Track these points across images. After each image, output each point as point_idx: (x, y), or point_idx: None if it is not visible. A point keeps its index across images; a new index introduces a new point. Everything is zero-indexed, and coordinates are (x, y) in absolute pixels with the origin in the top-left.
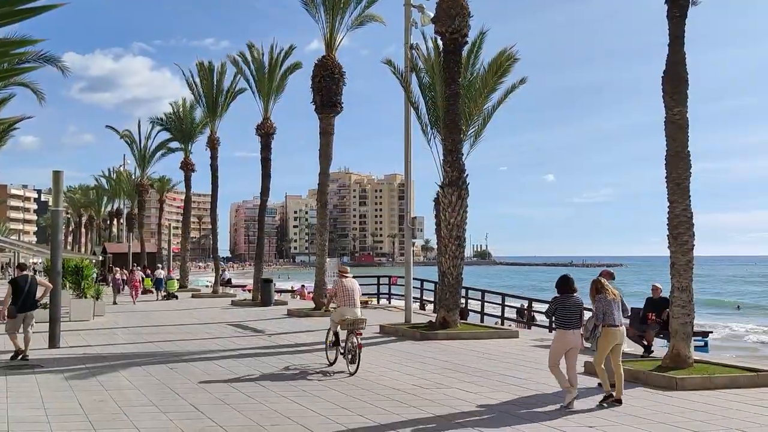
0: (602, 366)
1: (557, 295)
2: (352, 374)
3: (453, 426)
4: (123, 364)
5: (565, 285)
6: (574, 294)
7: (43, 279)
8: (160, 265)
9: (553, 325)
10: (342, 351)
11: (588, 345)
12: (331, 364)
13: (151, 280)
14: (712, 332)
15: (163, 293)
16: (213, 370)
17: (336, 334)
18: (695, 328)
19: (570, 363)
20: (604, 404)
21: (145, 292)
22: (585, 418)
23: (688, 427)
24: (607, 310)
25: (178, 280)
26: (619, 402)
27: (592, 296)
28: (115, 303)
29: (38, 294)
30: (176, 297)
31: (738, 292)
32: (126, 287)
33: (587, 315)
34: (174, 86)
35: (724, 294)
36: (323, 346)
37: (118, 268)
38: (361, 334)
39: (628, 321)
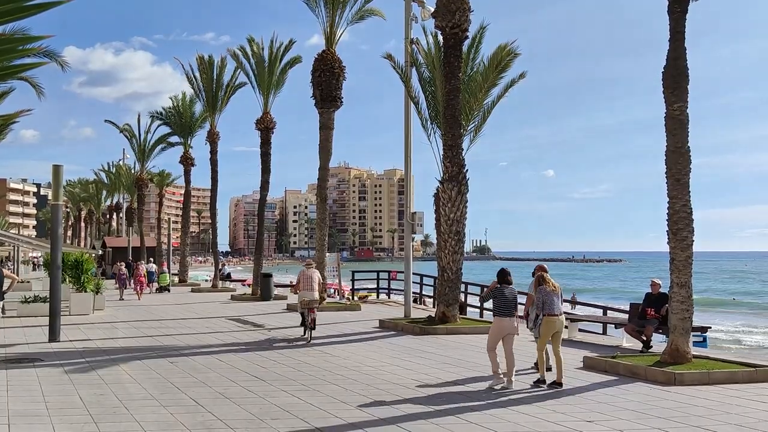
0: (543, 352)
1: (497, 285)
2: (308, 341)
3: (453, 419)
4: (123, 358)
5: (502, 277)
6: (510, 285)
7: (8, 272)
8: (151, 259)
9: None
10: (308, 327)
11: (531, 333)
12: (303, 336)
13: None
14: (710, 327)
15: (156, 287)
16: (213, 364)
17: (302, 314)
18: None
19: (507, 348)
20: (540, 386)
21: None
22: (583, 412)
23: (687, 422)
24: (546, 300)
25: (175, 274)
26: (559, 385)
27: (535, 287)
28: (121, 299)
29: (5, 286)
30: (168, 290)
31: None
32: (130, 282)
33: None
34: (174, 81)
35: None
36: (324, 341)
37: (123, 263)
38: (314, 311)
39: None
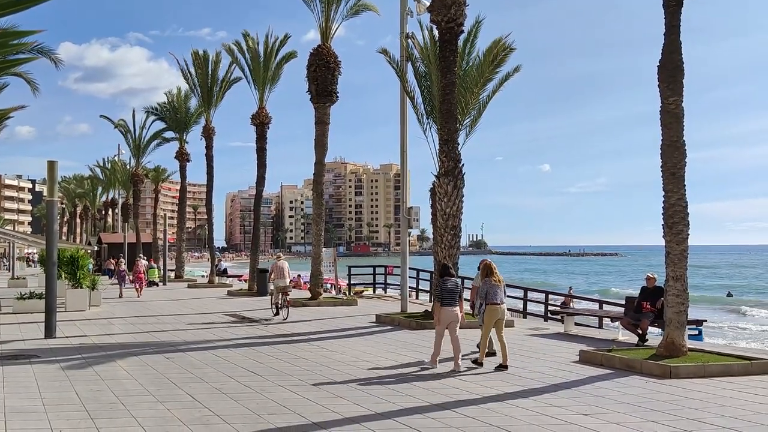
0: (487, 337)
1: (440, 278)
2: (284, 319)
3: (450, 413)
4: (119, 354)
5: (444, 271)
6: (452, 278)
7: None
8: (141, 255)
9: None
10: (279, 307)
11: (477, 320)
12: (275, 315)
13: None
14: (706, 321)
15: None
16: (210, 360)
17: (276, 296)
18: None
19: (452, 334)
20: (476, 366)
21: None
22: (579, 406)
23: (683, 414)
24: (490, 291)
25: (171, 270)
26: (505, 367)
27: (482, 278)
28: (121, 296)
29: None
30: (157, 284)
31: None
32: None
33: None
34: (171, 76)
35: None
36: (320, 336)
37: (123, 259)
38: (288, 294)
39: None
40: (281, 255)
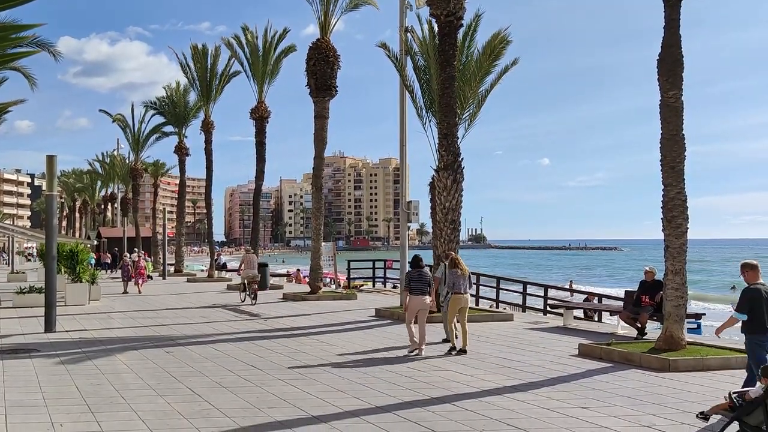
0: (453, 324)
1: (410, 269)
2: (253, 304)
3: (449, 407)
4: (119, 348)
5: (415, 262)
6: (422, 269)
7: None
8: (135, 249)
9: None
10: (249, 295)
11: (443, 308)
12: (243, 301)
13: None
14: (705, 314)
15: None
16: (209, 354)
17: (245, 286)
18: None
19: (420, 321)
20: (451, 353)
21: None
22: (579, 399)
23: (681, 408)
24: (455, 281)
25: (171, 264)
26: (464, 352)
27: (448, 270)
28: (125, 292)
29: None
30: (150, 278)
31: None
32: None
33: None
34: (170, 71)
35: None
36: (320, 330)
37: (127, 254)
38: (257, 283)
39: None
40: (250, 248)
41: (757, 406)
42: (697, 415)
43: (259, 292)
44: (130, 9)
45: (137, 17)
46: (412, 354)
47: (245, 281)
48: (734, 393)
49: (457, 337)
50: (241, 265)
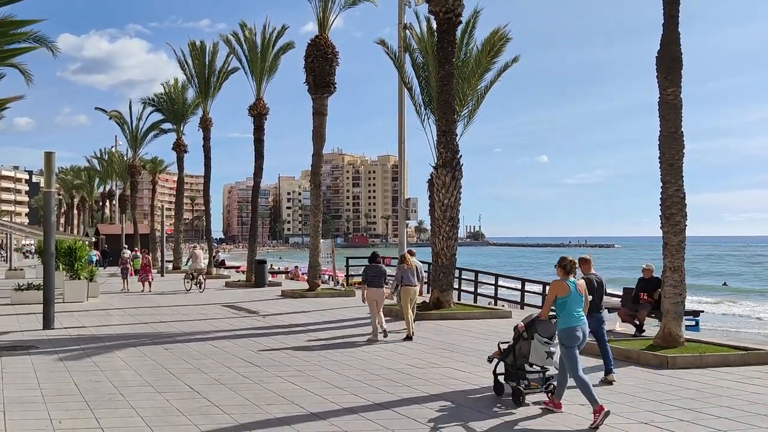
0: (408, 312)
1: (368, 264)
2: (200, 292)
3: (446, 404)
4: (118, 345)
5: (372, 258)
6: (379, 264)
7: None
8: (126, 246)
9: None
10: (196, 283)
11: (393, 299)
12: (189, 290)
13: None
14: (703, 311)
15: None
16: (208, 351)
17: (192, 276)
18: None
19: (378, 309)
20: (408, 341)
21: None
22: (577, 395)
23: (679, 404)
24: (404, 275)
25: (169, 261)
26: (410, 338)
27: (399, 264)
28: (126, 290)
29: None
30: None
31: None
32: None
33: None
34: (170, 68)
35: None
36: (318, 327)
37: (129, 251)
38: (203, 274)
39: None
40: (197, 245)
41: (510, 351)
42: (487, 359)
43: (257, 289)
44: (130, 6)
45: (137, 15)
46: (371, 342)
47: (192, 273)
48: (501, 342)
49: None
50: (189, 259)
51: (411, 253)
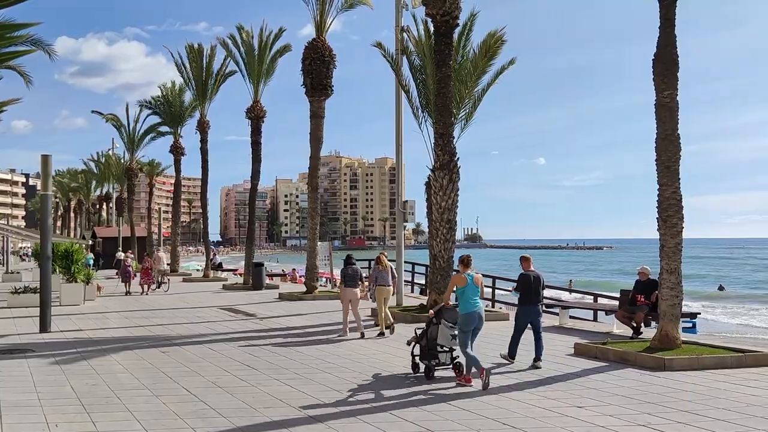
0: (383, 311)
1: (343, 266)
2: (166, 291)
3: (443, 407)
4: (115, 348)
5: (347, 260)
6: (353, 266)
7: None
8: (120, 248)
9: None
10: (159, 284)
11: (369, 299)
12: (155, 289)
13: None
14: (699, 314)
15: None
16: (205, 354)
17: (158, 280)
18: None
19: (354, 309)
20: (382, 336)
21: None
22: (574, 398)
23: (676, 406)
24: (379, 276)
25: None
26: (382, 335)
27: (375, 265)
28: (128, 293)
29: None
30: (136, 275)
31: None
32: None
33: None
34: (168, 71)
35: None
36: (316, 329)
37: (131, 254)
38: (167, 275)
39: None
40: (160, 248)
41: (423, 335)
42: (407, 343)
43: (255, 292)
44: (128, 10)
45: (135, 18)
46: (340, 337)
47: (155, 275)
48: (417, 328)
49: (377, 329)
50: (153, 260)
51: (385, 255)
